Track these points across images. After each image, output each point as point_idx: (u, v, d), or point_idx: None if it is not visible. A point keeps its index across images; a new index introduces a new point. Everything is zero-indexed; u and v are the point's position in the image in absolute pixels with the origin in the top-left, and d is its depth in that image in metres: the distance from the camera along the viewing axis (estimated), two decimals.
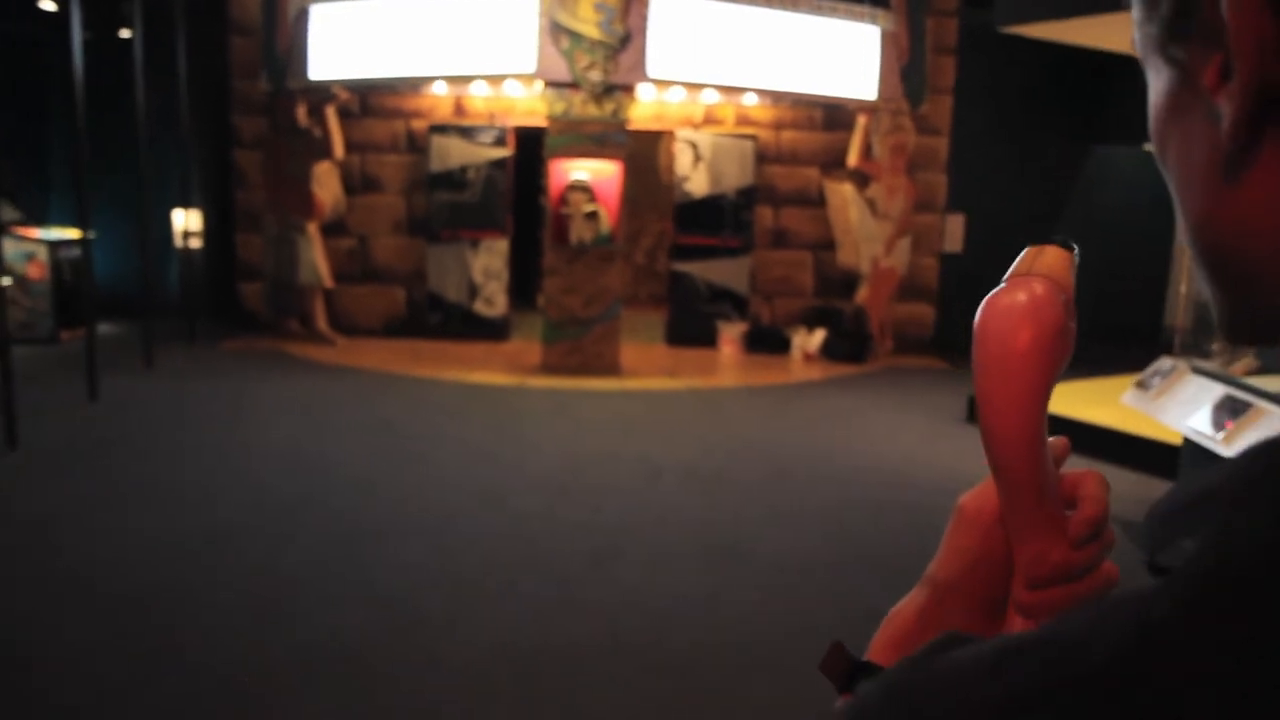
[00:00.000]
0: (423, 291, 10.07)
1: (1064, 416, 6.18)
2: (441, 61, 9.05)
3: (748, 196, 10.01)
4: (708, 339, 9.96)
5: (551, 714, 3.16)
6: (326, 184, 9.69)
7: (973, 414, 7.28)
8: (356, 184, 10.01)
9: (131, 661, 3.36)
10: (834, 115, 9.91)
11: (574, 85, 8.32)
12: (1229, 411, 4.18)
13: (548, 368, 8.65)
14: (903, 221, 9.77)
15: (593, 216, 8.60)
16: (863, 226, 9.58)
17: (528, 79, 8.76)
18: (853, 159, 9.64)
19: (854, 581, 4.16)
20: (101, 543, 4.39)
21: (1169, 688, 0.28)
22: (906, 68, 9.55)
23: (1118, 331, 9.27)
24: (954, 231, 10.41)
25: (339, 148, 9.55)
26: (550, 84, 8.41)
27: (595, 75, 8.21)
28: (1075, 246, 0.51)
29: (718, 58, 8.98)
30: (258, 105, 9.76)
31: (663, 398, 7.86)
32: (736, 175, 9.96)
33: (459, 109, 9.94)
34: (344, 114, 9.68)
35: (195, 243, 10.64)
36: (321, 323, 9.84)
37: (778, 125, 10.07)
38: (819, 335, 9.68)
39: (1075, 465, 0.55)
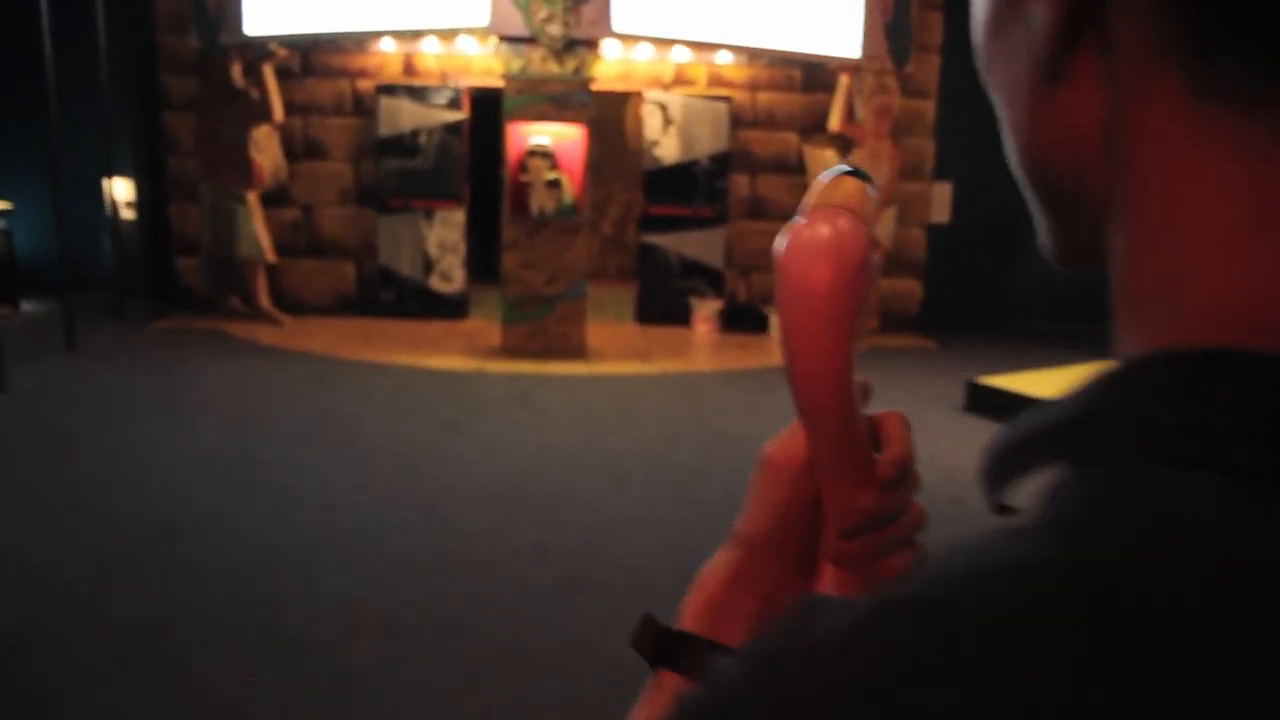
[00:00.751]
0: (373, 266, 9.36)
1: None
2: (389, 15, 8.30)
3: (722, 163, 9.35)
4: (681, 317, 9.33)
5: None
6: (266, 149, 8.92)
7: (971, 402, 6.73)
8: (299, 150, 9.24)
9: None
10: (814, 75, 9.25)
11: (532, 40, 7.60)
12: None
13: (508, 350, 7.99)
14: (888, 190, 9.14)
15: (554, 185, 7.92)
16: None
17: (482, 34, 8.02)
18: (834, 122, 9.00)
19: None
20: None
21: (1058, 645, 0.25)
22: (891, 23, 8.88)
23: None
24: (941, 201, 9.82)
25: (278, 110, 8.78)
26: (506, 39, 7.68)
27: (555, 29, 7.49)
28: (870, 177, 0.51)
29: (689, 11, 8.29)
30: (188, 64, 8.94)
31: (633, 385, 7.23)
32: (709, 140, 9.29)
33: (409, 68, 9.18)
34: (284, 73, 8.90)
35: (128, 214, 9.85)
36: (264, 301, 9.11)
37: (754, 86, 9.39)
38: None
39: None
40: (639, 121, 9.92)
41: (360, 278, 9.47)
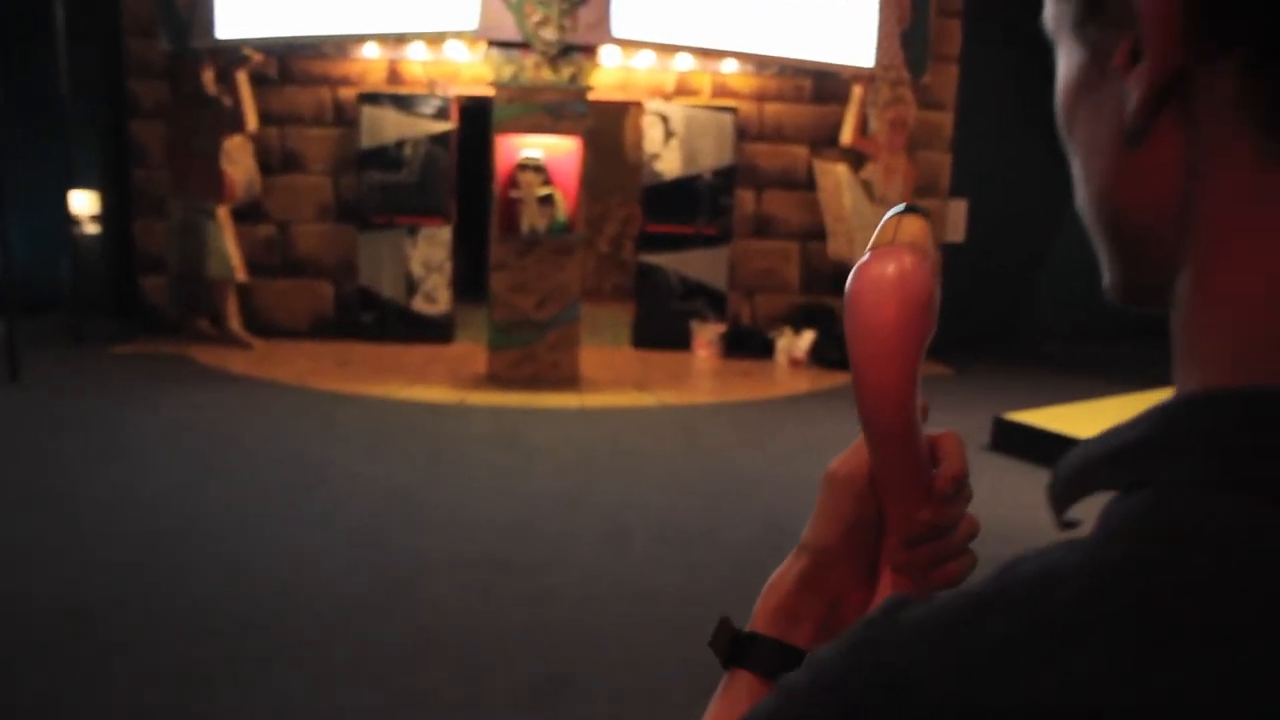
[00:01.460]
0: (353, 287, 8.76)
1: None
2: (372, 18, 7.72)
3: (726, 178, 8.78)
4: (680, 341, 8.74)
5: None
6: (238, 161, 8.33)
7: (999, 440, 6.15)
8: (275, 162, 8.65)
9: None
10: (825, 85, 8.68)
11: (524, 46, 7.02)
12: None
13: (494, 379, 7.39)
14: None
15: (547, 201, 7.34)
16: (857, 213, 8.38)
17: (471, 39, 7.45)
18: (847, 136, 8.44)
19: None
20: None
21: (1129, 633, 0.29)
22: (907, 31, 8.33)
23: (1149, 324, 8.16)
24: (956, 219, 9.26)
25: (252, 119, 8.19)
26: (496, 44, 7.10)
27: (549, 33, 6.92)
28: (929, 211, 0.55)
29: (693, 17, 7.73)
30: (157, 68, 8.35)
31: (630, 419, 6.63)
32: (713, 154, 8.72)
33: (394, 75, 8.60)
34: (259, 80, 8.31)
35: (92, 228, 9.25)
36: (235, 323, 8.50)
37: (761, 96, 8.82)
38: (807, 338, 8.50)
39: None
40: (638, 133, 9.35)
41: (339, 299, 8.87)
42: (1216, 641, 0.28)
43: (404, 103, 8.52)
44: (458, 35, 7.47)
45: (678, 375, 8.03)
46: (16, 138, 7.49)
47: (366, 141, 8.55)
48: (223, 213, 8.30)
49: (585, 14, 7.01)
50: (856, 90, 8.33)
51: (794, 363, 8.46)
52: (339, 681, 3.14)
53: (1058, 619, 0.30)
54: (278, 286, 8.81)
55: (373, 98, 8.53)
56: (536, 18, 6.87)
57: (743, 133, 8.79)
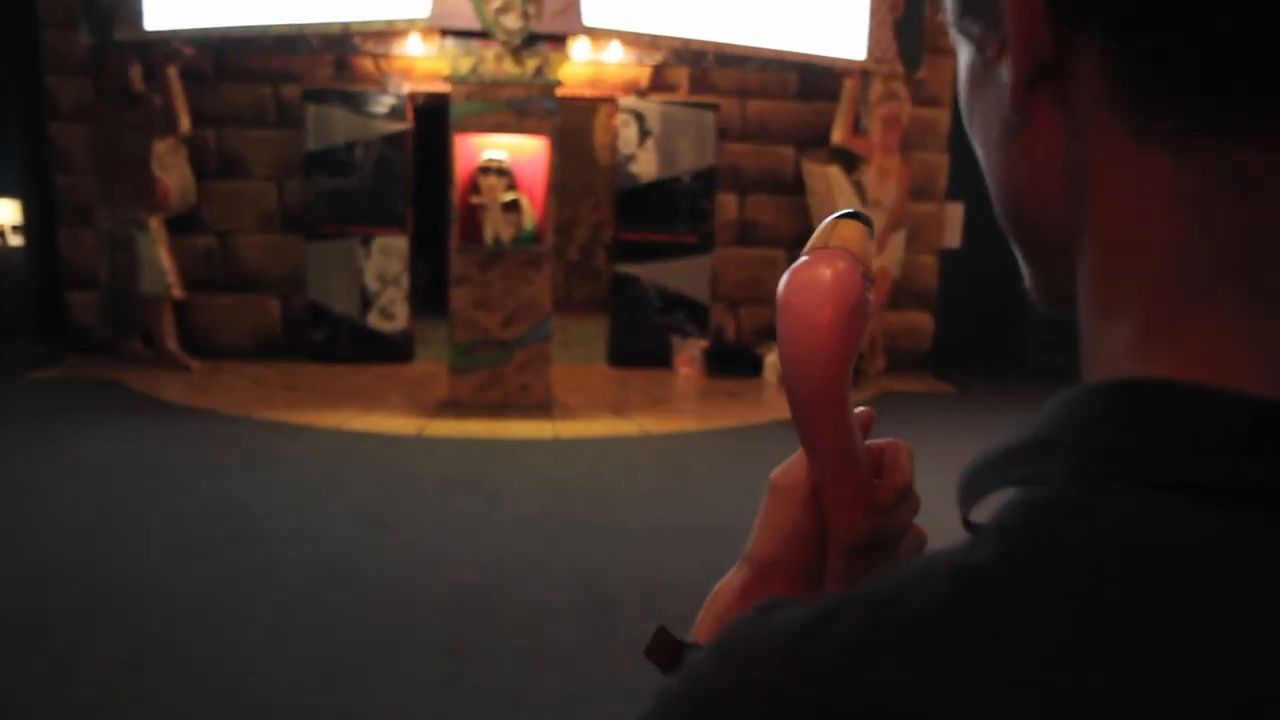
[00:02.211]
0: (302, 302, 8.02)
1: None
2: (317, 8, 6.99)
3: (707, 181, 8.13)
4: (660, 358, 8.08)
5: None
6: (171, 166, 7.57)
7: None
8: (213, 166, 7.89)
9: None
10: (812, 80, 8.04)
11: (484, 35, 6.31)
12: None
13: (456, 405, 6.68)
14: (896, 211, 7.96)
15: (512, 208, 6.64)
16: None
17: (424, 28, 6.73)
18: (838, 134, 7.80)
19: None
20: None
21: (981, 631, 0.29)
22: (901, 21, 7.72)
23: None
24: (952, 223, 8.65)
25: (184, 119, 7.44)
26: (452, 33, 6.38)
27: (512, 21, 6.21)
28: (871, 220, 0.55)
29: (671, 5, 7.06)
30: (78, 64, 7.57)
31: (607, 452, 5.94)
32: (693, 154, 8.06)
33: (342, 70, 7.87)
34: (192, 76, 7.54)
35: (14, 240, 8.45)
36: (171, 344, 7.74)
37: (743, 92, 8.16)
38: None
39: None
40: (611, 133, 8.67)
41: (286, 316, 8.12)
42: (1064, 647, 0.28)
43: (354, 101, 7.79)
44: (409, 24, 6.74)
45: (658, 397, 7.35)
46: None
47: (313, 143, 7.82)
48: (155, 223, 7.55)
49: (552, 1, 6.31)
50: (848, 85, 7.70)
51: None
52: None
53: (908, 622, 0.30)
54: (219, 303, 8.05)
55: (319, 95, 7.79)
56: (497, 4, 6.16)
57: (724, 132, 8.13)
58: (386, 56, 7.78)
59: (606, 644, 3.46)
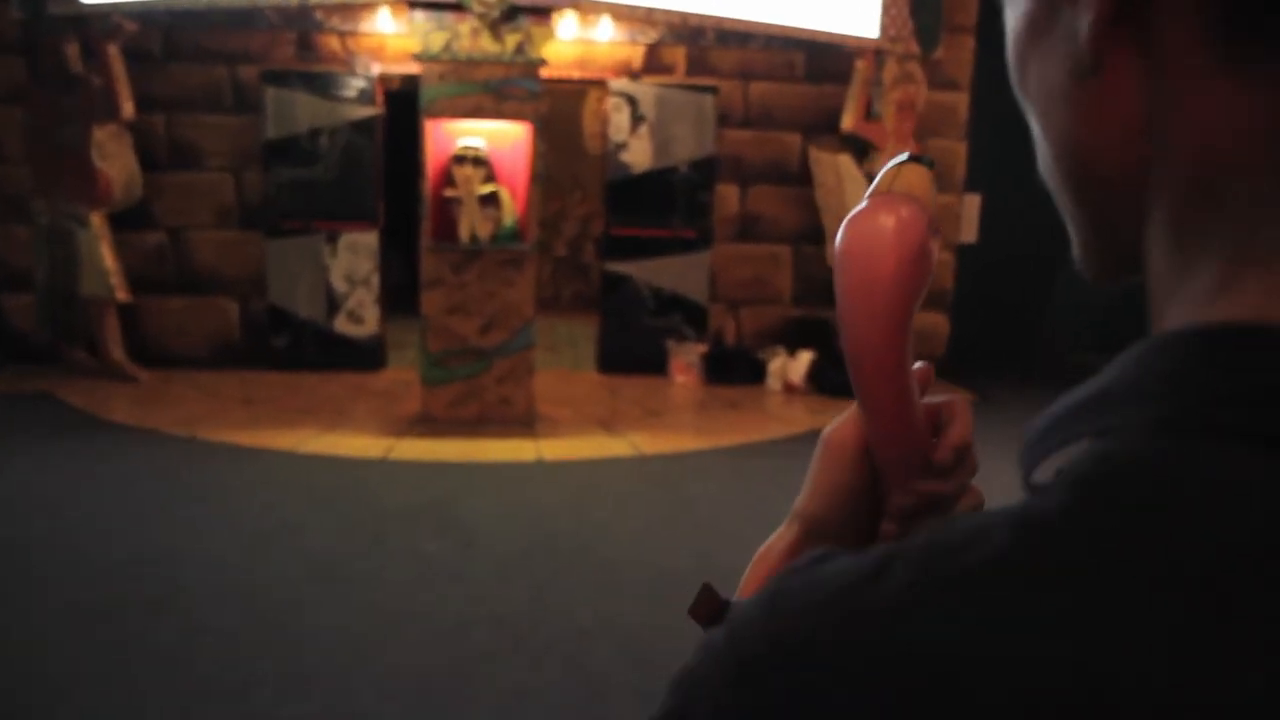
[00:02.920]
0: (262, 305, 7.32)
1: None
2: None
3: (705, 171, 7.48)
4: (654, 364, 7.43)
5: None
6: (114, 155, 6.86)
7: None
8: (162, 156, 7.19)
9: None
10: (820, 61, 7.39)
11: (457, 8, 5.61)
12: None
13: (428, 421, 6.00)
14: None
15: (490, 201, 5.96)
16: None
17: (393, 1, 6.03)
18: (848, 120, 7.16)
19: None
20: None
21: (1048, 584, 0.28)
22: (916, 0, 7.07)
23: None
24: (969, 216, 8.01)
25: (127, 104, 6.72)
26: (421, 5, 5.68)
27: None
28: (934, 163, 0.51)
29: None
30: (8, 42, 6.85)
31: (597, 477, 5.28)
32: (690, 142, 7.41)
33: (305, 50, 7.16)
34: (137, 55, 6.83)
35: None
36: (116, 352, 7.02)
37: (746, 74, 7.51)
38: (804, 359, 7.20)
39: None
40: (601, 119, 8.00)
41: (245, 320, 7.43)
42: (1143, 600, 0.27)
43: (318, 83, 7.09)
44: None
45: (653, 409, 6.69)
46: None
47: (274, 131, 7.12)
48: (97, 219, 6.84)
49: None
50: (859, 66, 7.05)
51: (789, 389, 7.17)
52: None
53: (969, 572, 0.29)
54: (170, 306, 7.35)
55: (280, 77, 7.09)
56: None
57: (725, 117, 7.49)
58: (354, 34, 7.09)
59: None
